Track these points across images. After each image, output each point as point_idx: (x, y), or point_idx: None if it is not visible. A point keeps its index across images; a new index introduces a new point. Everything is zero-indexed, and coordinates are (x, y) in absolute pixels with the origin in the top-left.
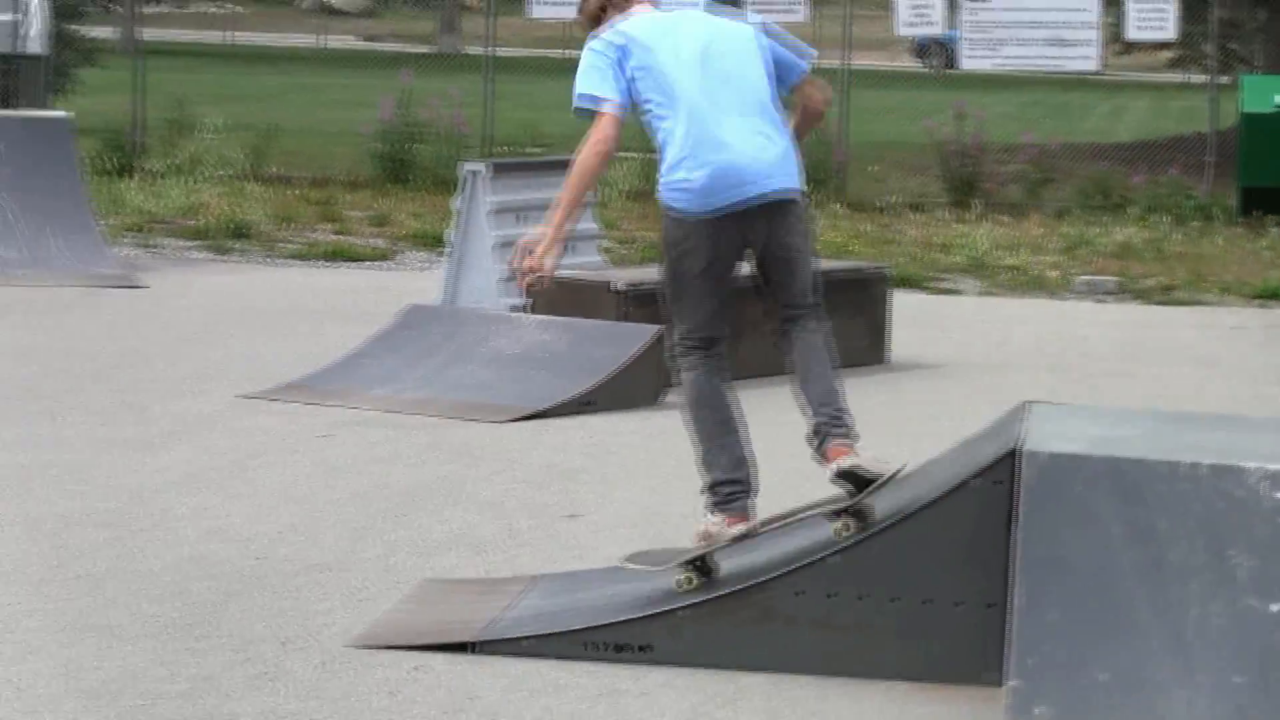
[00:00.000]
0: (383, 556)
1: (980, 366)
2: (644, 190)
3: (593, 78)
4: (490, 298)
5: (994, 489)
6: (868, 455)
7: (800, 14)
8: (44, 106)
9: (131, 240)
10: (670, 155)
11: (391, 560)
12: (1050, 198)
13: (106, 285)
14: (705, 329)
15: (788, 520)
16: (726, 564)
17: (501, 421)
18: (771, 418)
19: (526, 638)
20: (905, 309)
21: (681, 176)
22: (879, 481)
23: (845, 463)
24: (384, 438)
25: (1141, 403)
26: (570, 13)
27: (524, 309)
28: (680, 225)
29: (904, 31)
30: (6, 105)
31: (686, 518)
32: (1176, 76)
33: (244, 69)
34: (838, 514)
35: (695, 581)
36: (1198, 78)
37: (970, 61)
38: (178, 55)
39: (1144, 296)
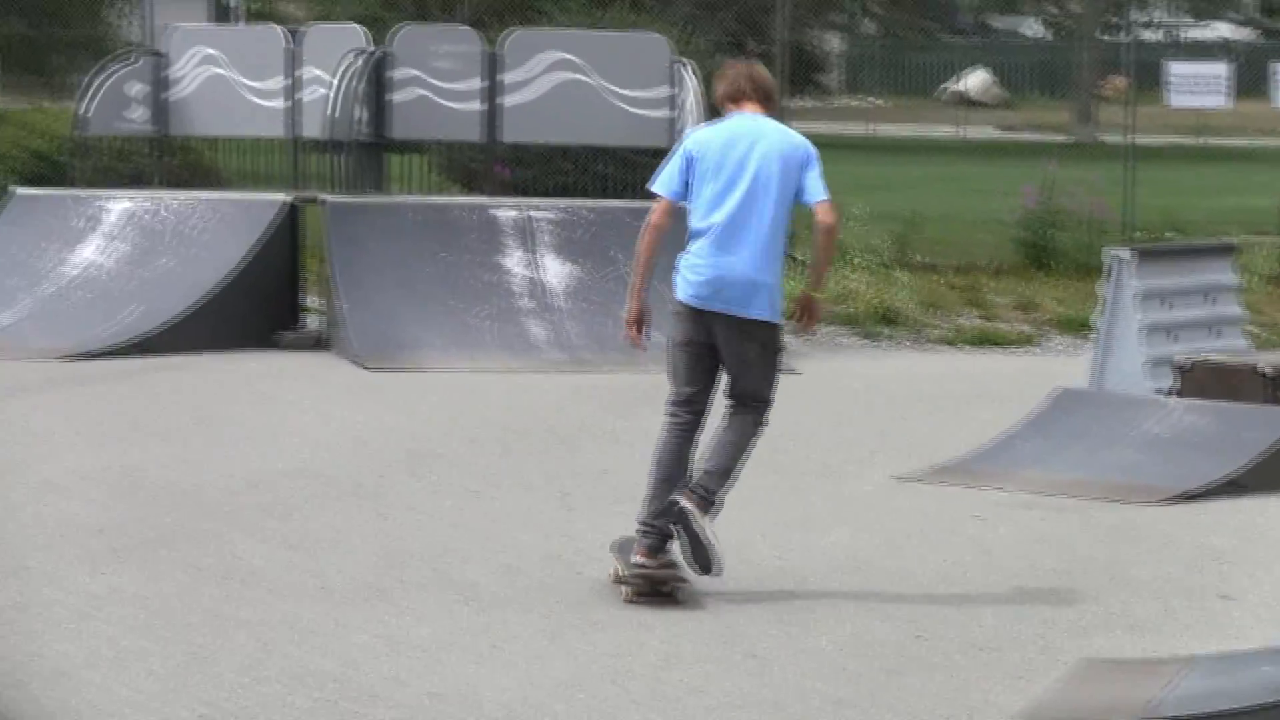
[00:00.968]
0: (1040, 636)
1: None
2: None
3: (665, 172)
4: (1137, 381)
5: None
6: (703, 522)
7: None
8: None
9: (787, 328)
10: (690, 249)
11: (1049, 640)
12: None
13: None
14: (687, 387)
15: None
16: None
17: (1153, 503)
18: None
19: (1190, 717)
20: None
21: (686, 269)
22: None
23: (683, 505)
24: (1037, 519)
25: None
26: (1209, 101)
27: (1170, 392)
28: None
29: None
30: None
31: None
32: None
33: (886, 159)
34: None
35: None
36: None
37: None
38: (821, 147)
39: None
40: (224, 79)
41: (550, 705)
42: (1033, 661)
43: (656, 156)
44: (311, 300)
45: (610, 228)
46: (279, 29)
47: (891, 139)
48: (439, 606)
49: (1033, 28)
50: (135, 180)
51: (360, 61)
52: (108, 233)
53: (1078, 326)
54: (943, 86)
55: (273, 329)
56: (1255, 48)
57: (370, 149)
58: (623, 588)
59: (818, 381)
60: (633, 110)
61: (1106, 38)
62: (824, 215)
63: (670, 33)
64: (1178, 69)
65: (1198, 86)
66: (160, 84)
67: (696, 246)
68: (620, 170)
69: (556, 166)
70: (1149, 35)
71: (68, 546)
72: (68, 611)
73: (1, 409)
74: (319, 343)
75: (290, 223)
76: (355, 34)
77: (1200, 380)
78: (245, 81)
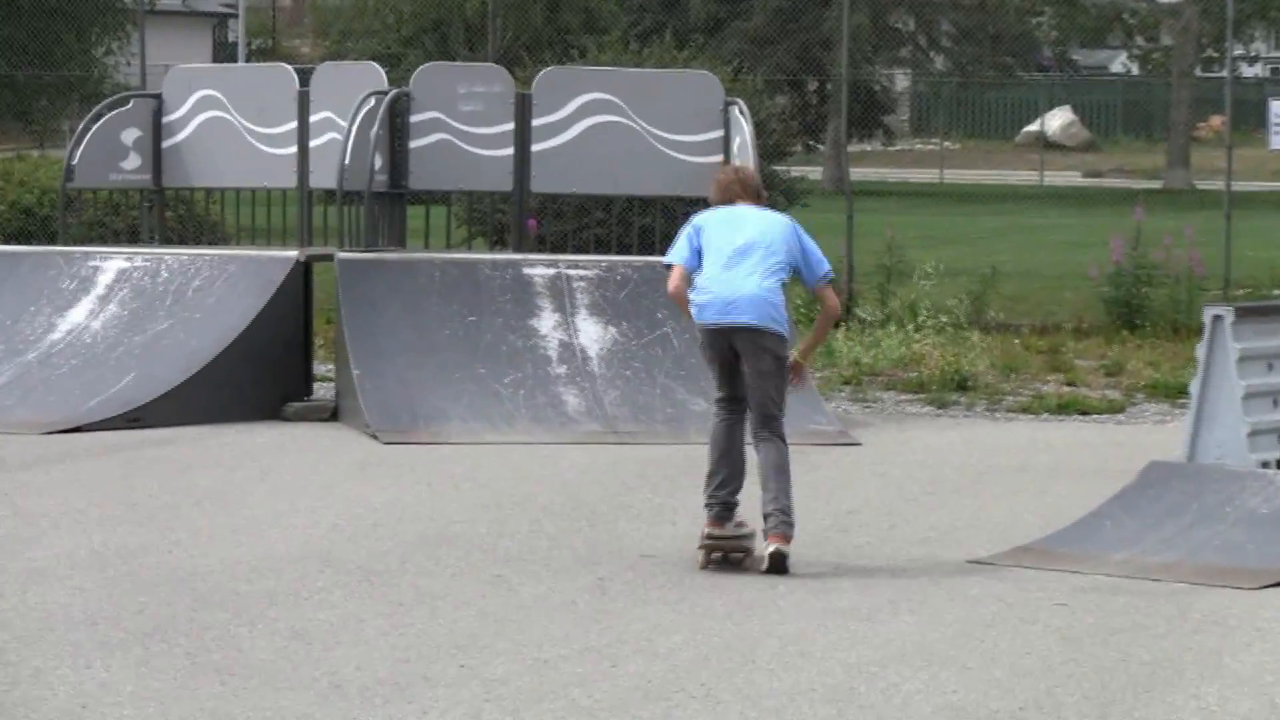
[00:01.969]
0: None
1: None
2: None
3: (676, 246)
4: (1237, 453)
5: None
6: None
7: None
8: None
9: (845, 394)
10: (696, 285)
11: None
12: None
13: (820, 443)
14: (723, 390)
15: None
16: None
17: (1254, 588)
18: None
19: None
20: None
21: (697, 299)
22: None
23: (772, 548)
24: (1126, 605)
25: None
26: None
27: (1274, 465)
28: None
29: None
30: None
31: None
32: None
33: (957, 208)
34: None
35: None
36: None
37: None
38: (886, 195)
39: None
40: (227, 123)
41: None
42: None
43: (706, 207)
44: (323, 367)
45: (654, 286)
46: (288, 68)
47: (964, 186)
48: (464, 706)
49: (1121, 63)
50: (129, 236)
51: (377, 103)
52: (99, 294)
53: (1171, 393)
54: (1021, 128)
55: (280, 399)
56: None
57: (388, 200)
58: (698, 554)
59: (881, 454)
60: (679, 156)
61: (1202, 73)
62: (831, 301)
63: (720, 71)
64: None
65: None
66: (157, 130)
67: (701, 279)
68: (665, 223)
69: (594, 219)
70: (1249, 71)
71: (55, 639)
72: (56, 711)
73: None
74: (331, 414)
75: (300, 282)
76: (372, 73)
77: None
78: (250, 126)
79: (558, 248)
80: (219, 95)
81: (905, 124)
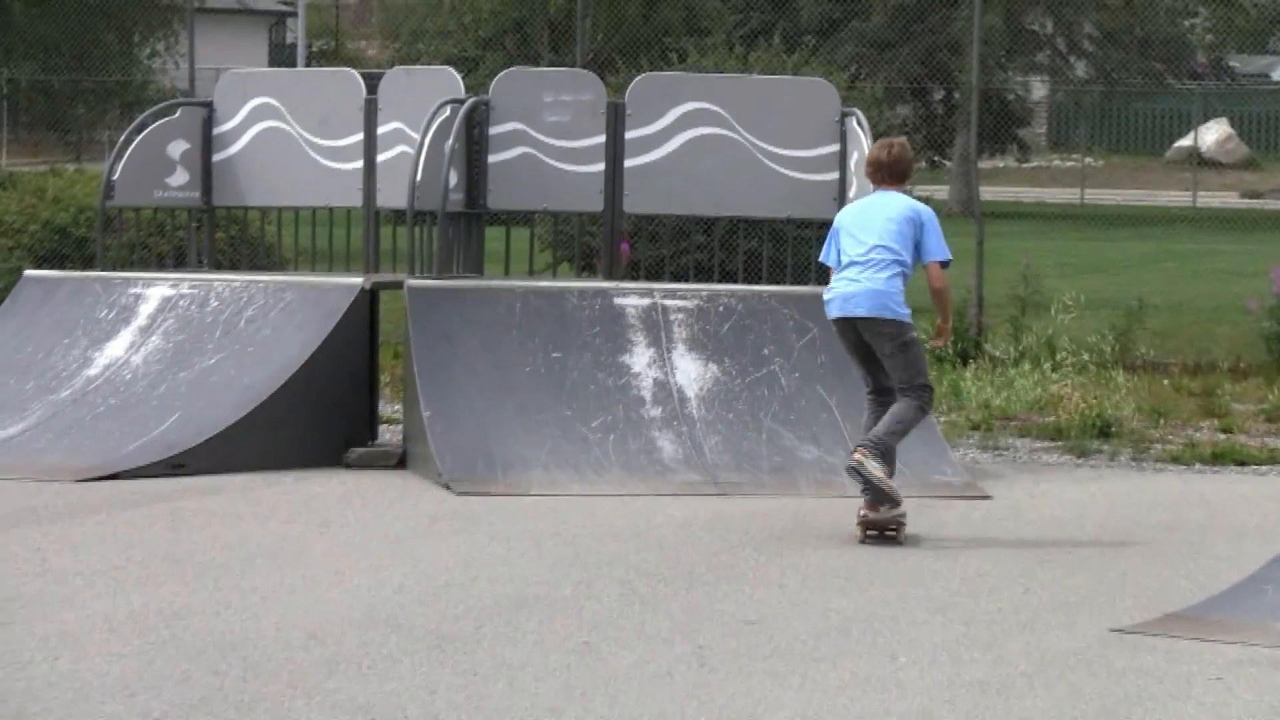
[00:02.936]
0: None
1: None
2: None
3: (826, 245)
4: None
5: None
6: (872, 465)
7: None
8: None
9: (974, 441)
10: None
11: None
12: None
13: (945, 495)
14: (868, 384)
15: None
16: None
17: None
18: None
19: None
20: None
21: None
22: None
23: (854, 460)
24: None
25: None
26: None
27: None
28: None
29: None
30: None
31: None
32: None
33: (1100, 233)
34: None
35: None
36: None
37: None
38: (1020, 217)
39: None
40: (285, 135)
41: None
42: None
43: (819, 230)
44: (390, 408)
45: (760, 319)
46: (353, 74)
47: (1108, 207)
48: None
49: None
50: (176, 260)
51: (452, 113)
52: (141, 325)
53: None
54: (1172, 143)
55: (342, 443)
56: None
57: (464, 221)
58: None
59: (1014, 508)
60: (790, 173)
61: None
62: (933, 275)
63: (835, 77)
64: None
65: None
66: (207, 142)
67: (832, 278)
68: (773, 247)
69: (695, 243)
70: None
71: (90, 711)
72: None
73: (8, 540)
74: (398, 461)
75: (365, 312)
76: (448, 79)
77: None
78: (311, 138)
79: (653, 275)
80: (276, 104)
81: (1042, 138)
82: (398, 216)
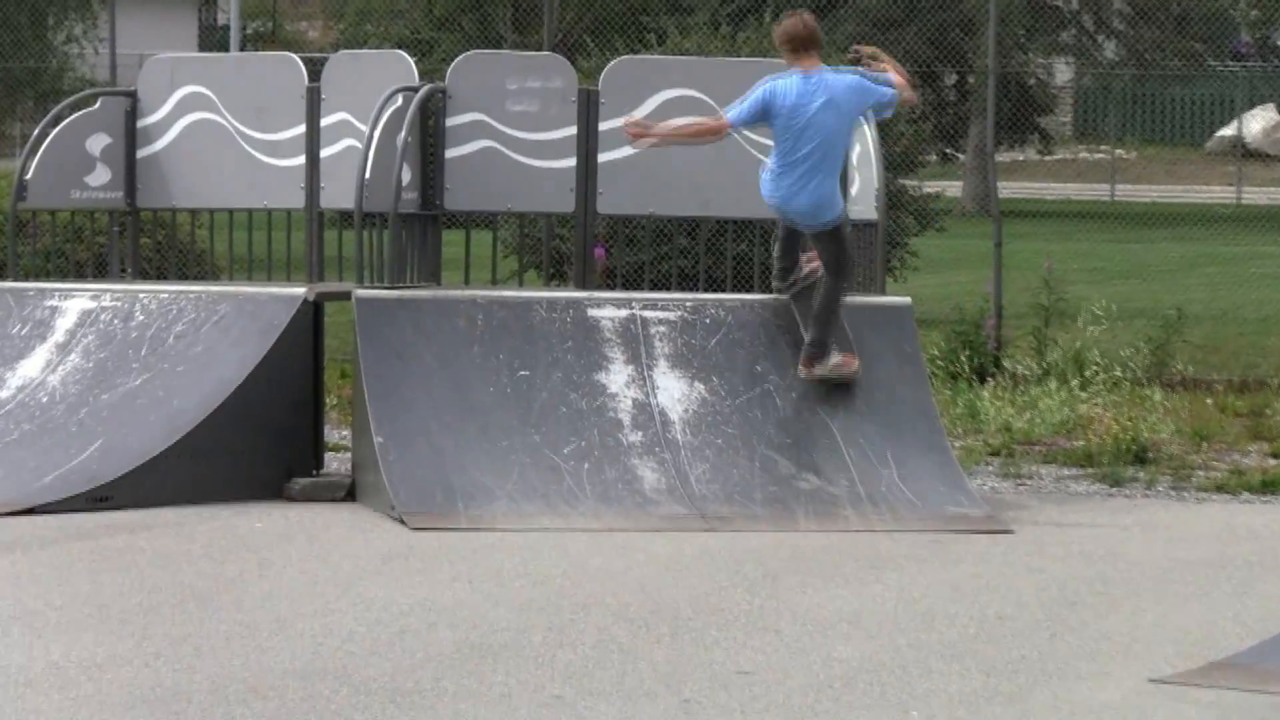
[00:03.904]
0: None
1: None
2: None
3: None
4: None
5: None
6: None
7: None
8: (877, 290)
9: (993, 468)
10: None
11: None
12: None
13: (962, 529)
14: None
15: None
16: None
17: None
18: None
19: None
20: None
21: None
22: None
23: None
24: None
25: None
26: None
27: None
28: None
29: None
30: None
31: None
32: None
33: (1133, 234)
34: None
35: None
36: None
37: None
38: (1043, 216)
39: None
40: (218, 128)
41: None
42: None
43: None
44: (337, 433)
45: (751, 331)
46: (294, 59)
47: (1142, 204)
48: None
49: None
50: (96, 269)
51: (405, 102)
52: (58, 341)
53: None
54: (1213, 133)
55: (284, 473)
56: None
57: (419, 223)
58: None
59: (1039, 544)
60: None
61: None
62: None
63: (834, 60)
64: None
65: None
66: (131, 136)
67: (768, 178)
68: (764, 251)
69: (678, 247)
70: None
71: None
72: None
73: None
74: (346, 492)
75: (309, 327)
76: (399, 64)
77: None
78: (247, 132)
79: (631, 283)
80: (208, 93)
81: (1067, 127)
82: (344, 219)
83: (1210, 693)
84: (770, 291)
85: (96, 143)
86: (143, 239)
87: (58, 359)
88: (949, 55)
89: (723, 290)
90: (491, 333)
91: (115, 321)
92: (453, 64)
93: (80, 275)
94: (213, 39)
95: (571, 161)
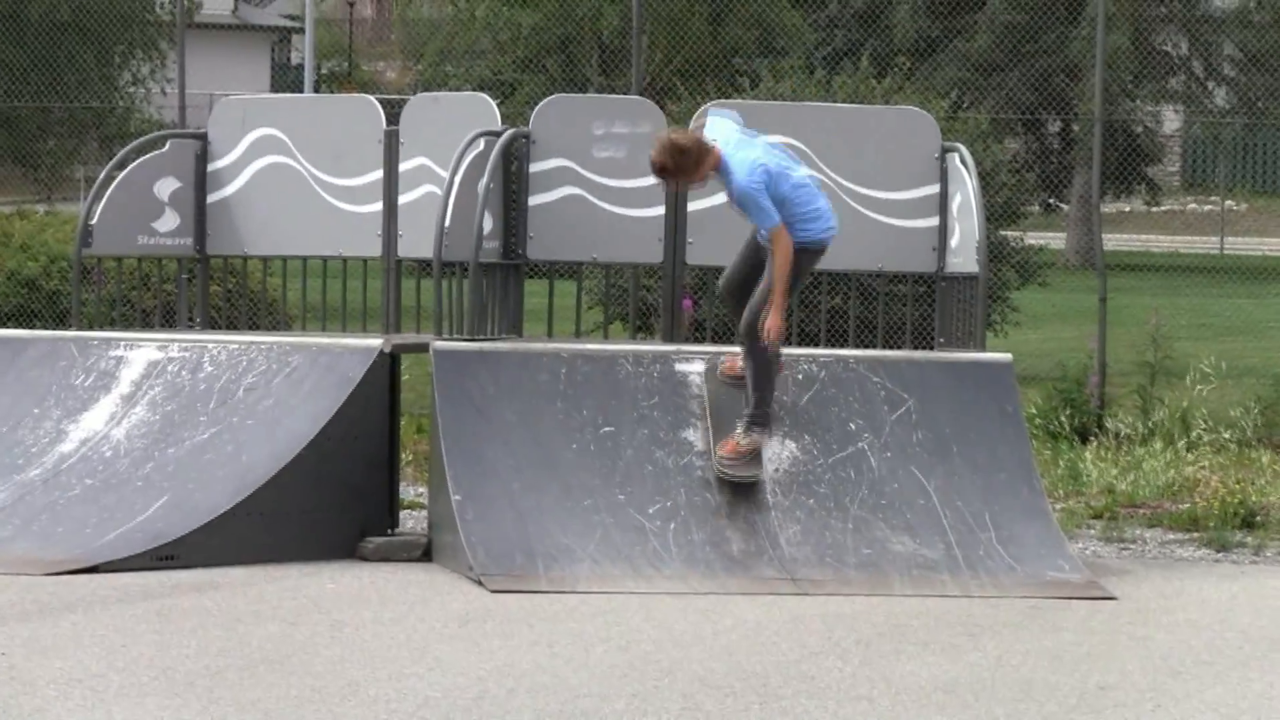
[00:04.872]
0: None
1: None
2: None
3: (765, 208)
4: None
5: None
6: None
7: None
8: (978, 346)
9: (1095, 531)
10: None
11: None
12: None
13: (1062, 595)
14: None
15: None
16: None
17: None
18: None
19: None
20: None
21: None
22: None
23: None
24: None
25: None
26: None
27: None
28: None
29: None
30: (926, 344)
31: None
32: None
33: (1242, 288)
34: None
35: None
36: None
37: None
38: (1148, 270)
39: None
40: (292, 172)
41: None
42: None
43: (915, 284)
44: (413, 490)
45: (846, 389)
46: (371, 101)
47: (1252, 258)
48: None
49: None
50: (164, 318)
51: (486, 147)
52: (123, 393)
53: None
54: None
55: (357, 532)
56: None
57: (500, 273)
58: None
59: (1142, 611)
60: (881, 218)
61: None
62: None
63: (934, 106)
64: None
65: None
66: (201, 180)
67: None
68: (861, 305)
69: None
70: None
71: None
72: None
73: None
74: (422, 552)
75: (384, 379)
76: (481, 107)
77: None
78: (322, 176)
79: (720, 337)
80: (281, 136)
81: (1175, 177)
82: (422, 268)
83: None
84: (862, 345)
85: (165, 187)
86: (212, 287)
87: (122, 411)
88: (1053, 101)
89: (816, 345)
90: (575, 387)
91: (183, 373)
92: (537, 108)
93: (147, 324)
94: (286, 79)
95: (660, 210)
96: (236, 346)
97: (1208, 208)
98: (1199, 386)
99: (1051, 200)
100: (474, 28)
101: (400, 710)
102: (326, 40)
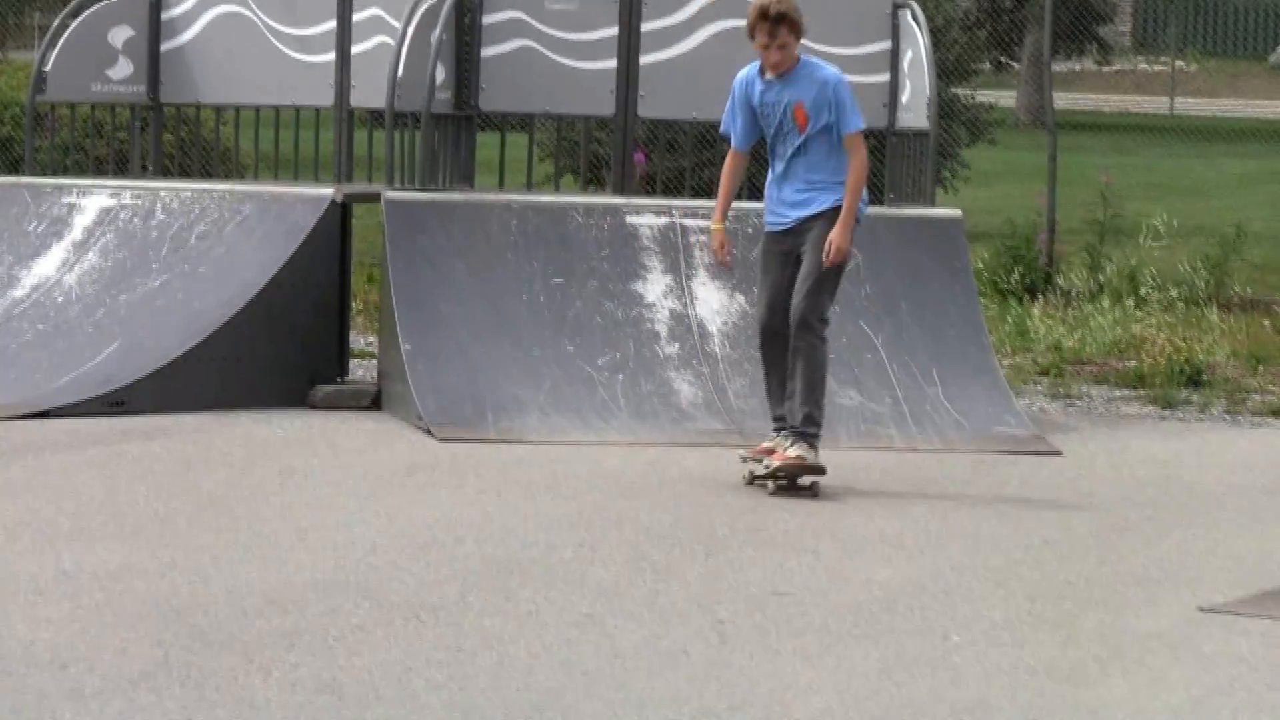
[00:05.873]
0: None
1: None
2: None
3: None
4: None
5: None
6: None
7: None
8: (927, 202)
9: (1042, 388)
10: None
11: None
12: None
13: (1008, 450)
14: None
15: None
16: None
17: None
18: None
19: None
20: None
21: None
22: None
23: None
24: None
25: None
26: None
27: None
28: None
29: None
30: (875, 199)
31: None
32: None
33: (1192, 148)
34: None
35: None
36: None
37: None
38: (1099, 129)
39: None
40: (245, 22)
41: None
42: None
43: (867, 139)
44: (363, 340)
45: None
46: None
47: (1202, 119)
48: None
49: None
50: (117, 166)
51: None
52: (75, 240)
53: None
54: (1278, 44)
55: (307, 380)
56: None
57: (452, 124)
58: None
59: (1088, 466)
60: None
61: None
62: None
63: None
64: None
65: None
66: (155, 29)
67: None
68: None
69: (719, 153)
70: None
71: (14, 686)
72: None
73: None
74: (372, 401)
75: (336, 229)
76: None
77: None
78: (276, 26)
79: (671, 190)
80: None
81: (1126, 37)
82: (375, 118)
83: (1261, 622)
84: None
85: (119, 35)
86: (165, 135)
87: (75, 258)
88: None
89: None
90: (525, 239)
91: (135, 220)
92: None
93: (100, 171)
94: None
95: (612, 63)
96: (189, 194)
97: (1158, 68)
98: (1148, 245)
99: (1003, 58)
100: None
101: (348, 557)
102: None
